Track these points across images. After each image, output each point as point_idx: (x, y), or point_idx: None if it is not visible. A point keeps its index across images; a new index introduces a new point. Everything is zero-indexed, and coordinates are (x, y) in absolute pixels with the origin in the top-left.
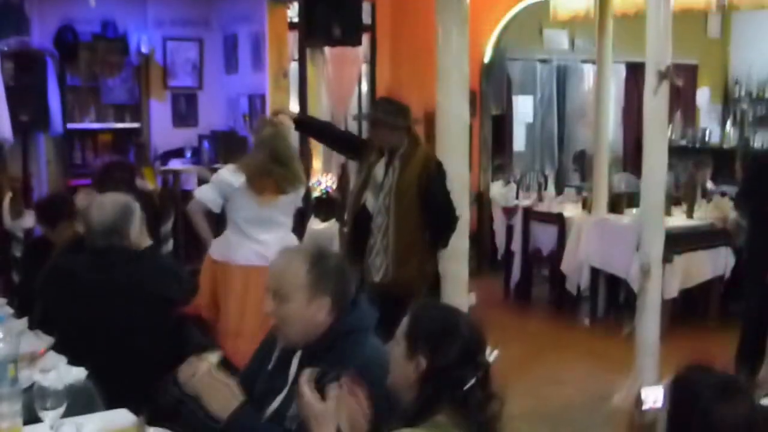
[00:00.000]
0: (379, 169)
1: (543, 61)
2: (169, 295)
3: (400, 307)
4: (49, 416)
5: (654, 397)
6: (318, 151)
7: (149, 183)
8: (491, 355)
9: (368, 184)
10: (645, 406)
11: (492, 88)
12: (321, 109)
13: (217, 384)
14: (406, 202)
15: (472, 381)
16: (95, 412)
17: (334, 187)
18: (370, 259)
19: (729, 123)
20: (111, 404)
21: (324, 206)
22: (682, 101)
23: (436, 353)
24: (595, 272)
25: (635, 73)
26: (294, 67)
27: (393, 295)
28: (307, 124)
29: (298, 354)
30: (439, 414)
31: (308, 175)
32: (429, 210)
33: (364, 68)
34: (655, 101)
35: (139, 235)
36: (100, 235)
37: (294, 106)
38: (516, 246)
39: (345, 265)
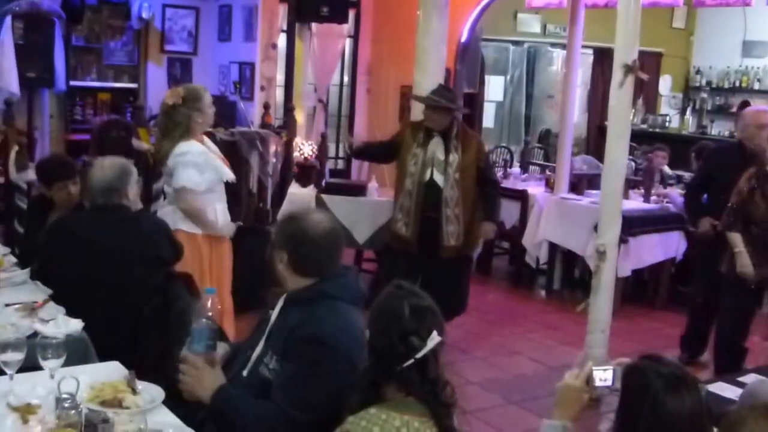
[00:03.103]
0: (437, 147)
1: (515, 43)
2: (161, 255)
3: (466, 264)
4: (49, 365)
5: (604, 376)
6: (301, 121)
7: (144, 143)
8: (431, 339)
9: (431, 161)
10: (595, 384)
11: (466, 67)
12: (306, 79)
13: (203, 373)
14: (469, 177)
15: (409, 362)
16: (90, 363)
17: (313, 154)
18: (445, 227)
19: (689, 111)
20: (104, 356)
21: (303, 173)
22: (645, 88)
23: (377, 332)
24: (553, 248)
25: (602, 58)
26: (282, 39)
27: (461, 255)
28: (364, 153)
29: (282, 300)
30: (386, 391)
31: (291, 142)
32: (485, 182)
33: (348, 43)
34: (621, 93)
35: (136, 196)
36: (100, 193)
37: (280, 77)
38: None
39: (315, 232)
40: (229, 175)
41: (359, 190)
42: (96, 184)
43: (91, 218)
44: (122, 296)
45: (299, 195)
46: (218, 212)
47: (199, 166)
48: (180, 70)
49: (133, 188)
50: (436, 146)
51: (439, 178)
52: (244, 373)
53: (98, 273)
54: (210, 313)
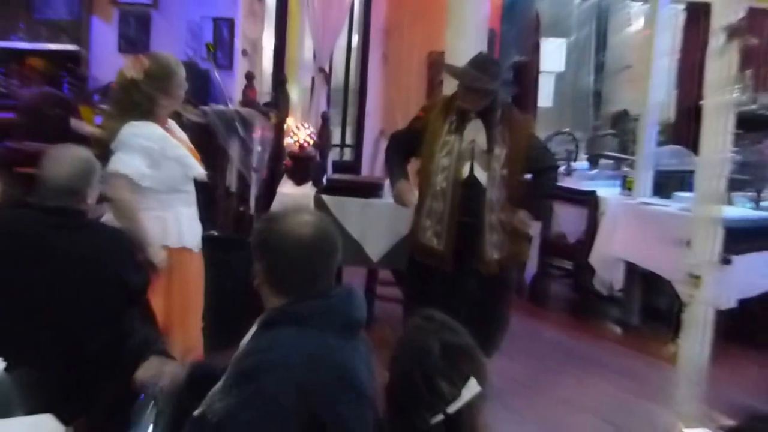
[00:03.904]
0: (477, 134)
1: None
2: (123, 279)
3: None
4: None
5: None
6: (296, 96)
7: (86, 124)
8: (469, 388)
9: (470, 152)
10: None
11: (515, 28)
12: (301, 43)
13: None
14: (518, 173)
15: (438, 417)
16: (12, 415)
17: (311, 142)
18: (487, 236)
19: None
20: (34, 406)
21: (299, 166)
22: (756, 58)
23: (397, 376)
24: (631, 269)
25: (698, 16)
26: None
27: (504, 272)
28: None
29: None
30: None
31: (283, 126)
32: (540, 171)
33: None
34: (721, 64)
35: (95, 201)
36: (53, 194)
37: (269, 37)
38: (534, 229)
39: (295, 237)
40: (199, 171)
41: (373, 189)
42: (50, 182)
43: (38, 218)
44: (64, 326)
45: (293, 196)
46: (183, 220)
47: (150, 154)
48: (135, 27)
49: (95, 190)
50: (475, 133)
51: (481, 175)
52: (195, 413)
53: (36, 290)
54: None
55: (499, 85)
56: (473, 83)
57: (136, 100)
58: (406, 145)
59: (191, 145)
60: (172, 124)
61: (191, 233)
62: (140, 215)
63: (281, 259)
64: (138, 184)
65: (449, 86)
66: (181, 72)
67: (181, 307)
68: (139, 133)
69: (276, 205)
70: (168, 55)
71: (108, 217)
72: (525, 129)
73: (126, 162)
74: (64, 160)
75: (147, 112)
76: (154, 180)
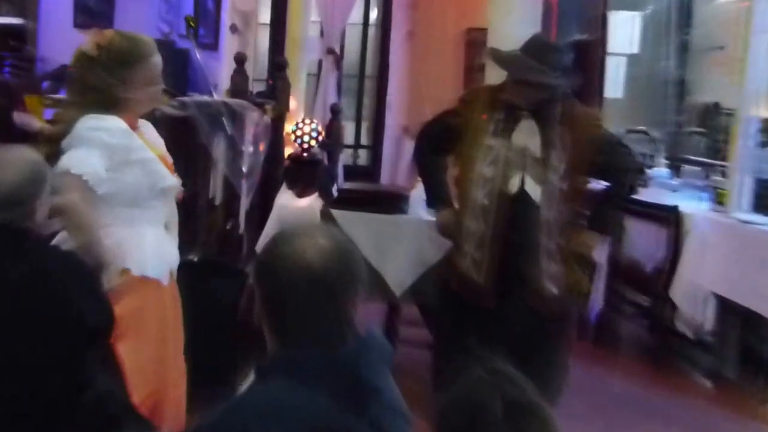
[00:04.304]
0: (529, 137)
1: None
2: (81, 317)
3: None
4: None
5: None
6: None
7: (34, 118)
8: None
9: (520, 160)
10: None
11: None
12: (306, 17)
13: None
14: (582, 186)
15: None
16: None
17: (318, 141)
18: (543, 266)
19: None
20: None
21: (302, 172)
22: None
23: None
24: (725, 306)
25: None
26: None
27: (564, 311)
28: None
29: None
30: None
31: (282, 121)
32: (610, 174)
33: None
34: None
35: (46, 215)
36: None
37: (264, 10)
38: (600, 254)
39: (302, 263)
40: (169, 182)
41: (395, 202)
42: None
43: None
44: (5, 376)
45: (294, 210)
46: (147, 243)
47: (112, 154)
48: None
49: (45, 203)
50: (527, 136)
51: (534, 190)
52: None
53: None
54: None
55: (559, 76)
56: (527, 75)
57: (91, 84)
58: (443, 144)
59: (165, 154)
60: (145, 125)
61: (157, 260)
62: (96, 227)
63: (282, 292)
64: (93, 190)
65: (493, 73)
66: (155, 59)
67: (156, 347)
68: (100, 126)
69: (272, 221)
70: (139, 35)
71: (63, 237)
72: (591, 128)
73: (81, 160)
74: (4, 164)
75: (110, 105)
76: (112, 189)
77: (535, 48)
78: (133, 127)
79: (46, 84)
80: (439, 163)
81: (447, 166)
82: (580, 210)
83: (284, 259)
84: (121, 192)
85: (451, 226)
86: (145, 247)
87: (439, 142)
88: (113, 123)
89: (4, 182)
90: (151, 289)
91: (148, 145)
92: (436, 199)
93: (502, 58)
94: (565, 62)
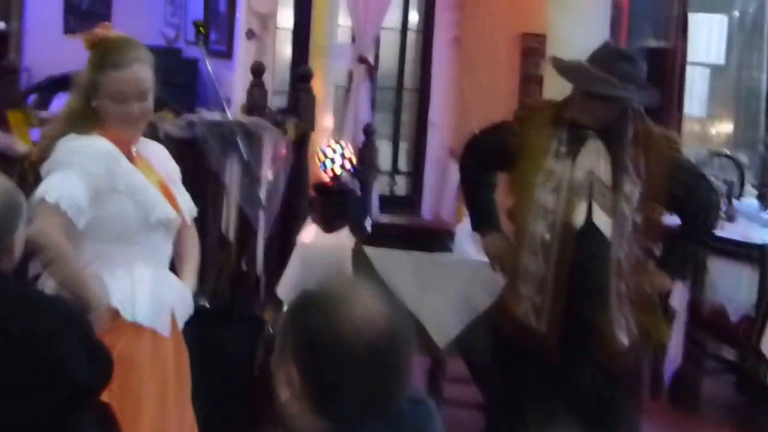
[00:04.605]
0: (597, 161)
1: None
2: (70, 375)
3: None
4: None
5: None
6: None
7: (19, 140)
8: None
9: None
10: None
11: None
12: (333, 21)
13: None
14: (656, 219)
15: None
16: None
17: (348, 167)
18: (614, 313)
19: None
20: None
21: (330, 203)
22: None
23: None
24: None
25: None
26: None
27: (636, 364)
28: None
29: None
30: None
31: (306, 142)
32: (688, 212)
33: None
34: None
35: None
36: None
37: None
38: (678, 300)
39: (354, 337)
40: (164, 213)
41: (438, 238)
42: None
43: None
44: None
45: (321, 248)
46: (139, 284)
47: (95, 182)
48: None
49: (21, 236)
50: (595, 159)
51: (603, 221)
52: None
53: None
54: None
55: (633, 90)
56: (595, 88)
57: (79, 95)
58: (493, 161)
59: (173, 180)
60: (147, 145)
61: (152, 306)
62: (76, 261)
63: (332, 372)
64: (72, 222)
65: (554, 86)
66: (133, 72)
67: (160, 407)
68: (80, 148)
69: (295, 262)
70: (130, 39)
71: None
72: (669, 152)
73: (57, 187)
74: None
75: (91, 119)
76: (97, 221)
77: (604, 57)
78: (124, 147)
79: (32, 98)
80: (487, 181)
81: (496, 185)
82: (652, 247)
83: (331, 332)
84: (106, 225)
85: (503, 254)
86: (136, 289)
87: (488, 159)
88: (95, 144)
89: None
90: (146, 339)
91: (145, 169)
92: (483, 220)
93: (565, 68)
94: (639, 74)
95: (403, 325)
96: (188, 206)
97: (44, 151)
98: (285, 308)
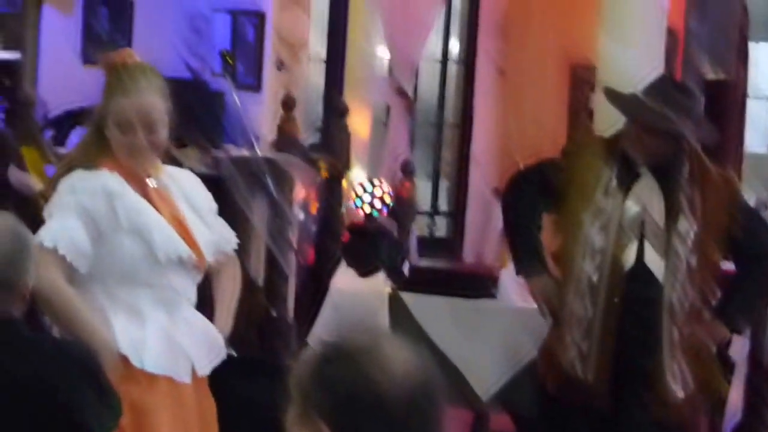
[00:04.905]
0: (650, 198)
1: None
2: (85, 422)
3: None
4: None
5: None
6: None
7: (33, 177)
8: None
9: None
10: None
11: (709, 26)
12: (370, 50)
13: None
14: (713, 262)
15: None
16: None
17: (385, 207)
18: (667, 363)
19: None
20: None
21: (364, 245)
22: None
23: None
24: None
25: None
26: None
27: (689, 417)
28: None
29: None
30: None
31: (340, 181)
32: (744, 258)
33: None
34: None
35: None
36: None
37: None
38: (738, 350)
39: (391, 392)
40: (174, 250)
41: (481, 283)
42: None
43: None
44: None
45: (355, 293)
46: (153, 328)
47: (94, 221)
48: (108, 22)
49: (30, 279)
50: (648, 196)
51: (655, 262)
52: None
53: None
54: None
55: (691, 126)
56: (652, 122)
57: (93, 120)
58: (539, 199)
59: (193, 212)
60: (172, 175)
61: (167, 353)
62: (81, 309)
63: (368, 425)
64: (72, 266)
65: (606, 119)
66: (141, 100)
67: None
68: (82, 187)
69: (328, 308)
70: (146, 65)
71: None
72: (727, 192)
73: (56, 231)
74: None
75: (108, 154)
76: (102, 263)
77: (661, 89)
78: (136, 179)
79: (48, 134)
80: (532, 220)
81: (542, 226)
82: (708, 293)
83: (368, 385)
84: (113, 265)
85: (552, 297)
86: (147, 334)
87: (533, 197)
88: (97, 181)
89: None
90: (161, 386)
91: (160, 203)
92: (528, 261)
93: (619, 99)
94: (697, 109)
95: (436, 374)
96: (222, 237)
97: (50, 189)
98: (300, 363)
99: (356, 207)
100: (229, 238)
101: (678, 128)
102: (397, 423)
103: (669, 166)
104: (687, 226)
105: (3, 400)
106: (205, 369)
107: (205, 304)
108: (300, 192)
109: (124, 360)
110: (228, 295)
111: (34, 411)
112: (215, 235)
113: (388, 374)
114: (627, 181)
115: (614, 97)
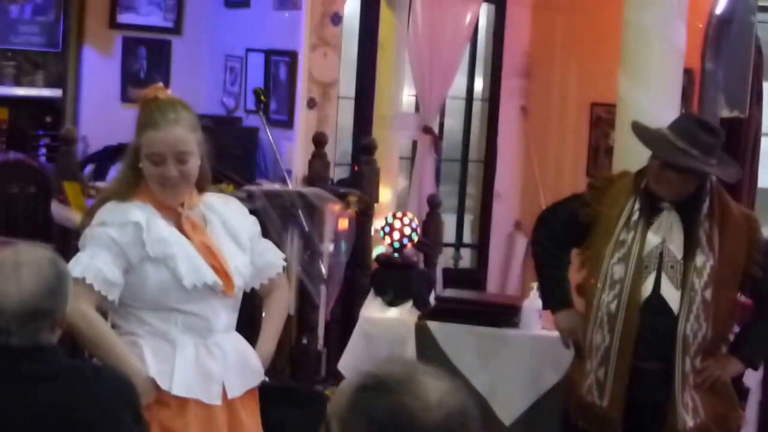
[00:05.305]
0: (671, 233)
1: None
2: None
3: None
4: None
5: None
6: (386, 171)
7: (74, 211)
8: None
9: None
10: None
11: (725, 66)
12: (398, 89)
13: None
14: (729, 298)
15: None
16: None
17: (414, 238)
18: (678, 394)
19: None
20: None
21: (393, 277)
22: None
23: None
24: None
25: None
26: (353, 5)
27: None
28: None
29: None
30: None
31: (369, 215)
32: (762, 298)
33: (484, 14)
34: None
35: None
36: (15, 323)
37: (348, 81)
38: (751, 377)
39: (427, 421)
40: (199, 278)
41: (505, 313)
42: (8, 306)
43: None
44: None
45: (383, 322)
46: (183, 354)
47: (124, 252)
48: (147, 62)
49: (67, 308)
50: (668, 229)
51: (671, 295)
52: None
53: None
54: None
55: (715, 164)
56: (677, 160)
57: (129, 165)
58: (566, 235)
59: (217, 244)
60: (213, 205)
61: (196, 376)
62: (112, 338)
63: None
64: (104, 297)
65: (624, 156)
66: (170, 134)
67: None
68: (112, 220)
69: (357, 336)
70: (178, 100)
71: None
72: (746, 230)
73: (86, 263)
74: (23, 268)
75: (135, 187)
76: (133, 292)
77: (687, 127)
78: (168, 210)
79: (88, 169)
80: (560, 257)
81: (569, 262)
82: (725, 329)
83: (404, 414)
84: (144, 293)
85: (576, 330)
86: (177, 359)
87: (561, 233)
88: (125, 215)
89: (25, 291)
90: (191, 410)
91: (194, 232)
92: (555, 297)
93: (646, 136)
94: (721, 147)
95: (471, 402)
96: (267, 263)
97: (87, 221)
98: (337, 393)
99: (384, 239)
100: (274, 263)
101: (701, 168)
102: (394, 419)
103: (691, 202)
104: (704, 260)
105: (46, 425)
106: (236, 391)
107: (255, 326)
108: (330, 225)
109: (154, 384)
110: (270, 319)
111: None
112: (259, 260)
113: (424, 402)
114: (649, 215)
115: (641, 133)
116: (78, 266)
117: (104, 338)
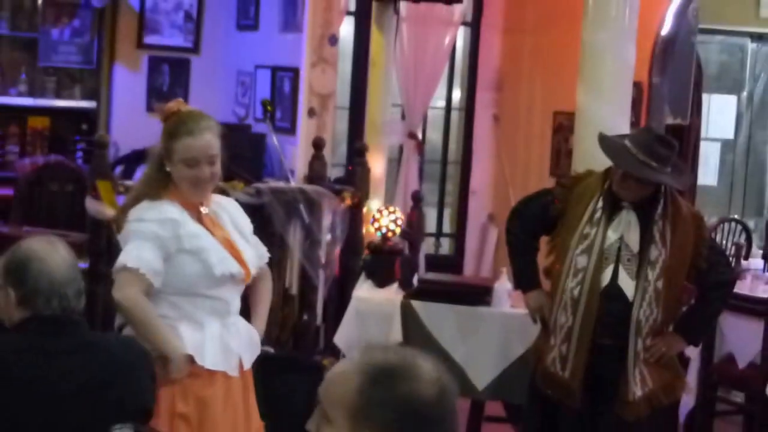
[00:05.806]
0: (628, 229)
1: (757, 37)
2: (148, 400)
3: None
4: None
5: None
6: (376, 171)
7: (106, 205)
8: None
9: (615, 252)
10: None
11: (669, 81)
12: (386, 100)
13: None
14: (679, 285)
15: None
16: None
17: (398, 230)
18: (630, 368)
19: None
20: None
21: (381, 262)
22: None
23: None
24: None
25: None
26: (348, 28)
27: (656, 410)
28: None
29: None
30: None
31: (361, 208)
32: (708, 286)
33: (461, 36)
34: None
35: None
36: (57, 296)
37: (343, 93)
38: (691, 348)
39: (427, 397)
40: (228, 268)
41: (479, 294)
42: (54, 279)
43: (22, 345)
44: None
45: (373, 301)
46: (210, 334)
47: (163, 244)
48: (169, 77)
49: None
50: (626, 226)
51: (627, 284)
52: None
53: None
54: None
55: (670, 174)
56: (637, 172)
57: (155, 160)
58: (536, 226)
59: (237, 233)
60: (221, 204)
61: (221, 353)
62: (157, 321)
63: (419, 427)
64: (151, 284)
65: (581, 158)
66: (200, 139)
67: None
68: (148, 217)
69: (350, 314)
70: (198, 111)
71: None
72: (695, 229)
73: (135, 254)
74: (58, 254)
75: (163, 182)
76: (169, 280)
77: (646, 141)
78: (193, 208)
79: (118, 169)
80: (530, 245)
81: (538, 249)
82: (673, 313)
83: (425, 398)
84: (178, 281)
85: (543, 308)
86: (206, 338)
87: (532, 224)
88: (161, 212)
89: (69, 262)
90: (218, 380)
91: (212, 227)
92: (526, 279)
93: (610, 149)
94: (675, 159)
95: (447, 372)
96: (259, 253)
97: (121, 216)
98: (336, 385)
99: (374, 229)
100: (264, 254)
101: (658, 179)
102: (437, 418)
103: (647, 203)
104: (657, 254)
105: (91, 385)
106: (248, 363)
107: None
108: (328, 218)
109: (190, 359)
110: (262, 302)
111: (117, 394)
112: (257, 249)
113: (426, 382)
114: (610, 213)
115: (606, 146)
116: (130, 257)
117: (153, 321)
